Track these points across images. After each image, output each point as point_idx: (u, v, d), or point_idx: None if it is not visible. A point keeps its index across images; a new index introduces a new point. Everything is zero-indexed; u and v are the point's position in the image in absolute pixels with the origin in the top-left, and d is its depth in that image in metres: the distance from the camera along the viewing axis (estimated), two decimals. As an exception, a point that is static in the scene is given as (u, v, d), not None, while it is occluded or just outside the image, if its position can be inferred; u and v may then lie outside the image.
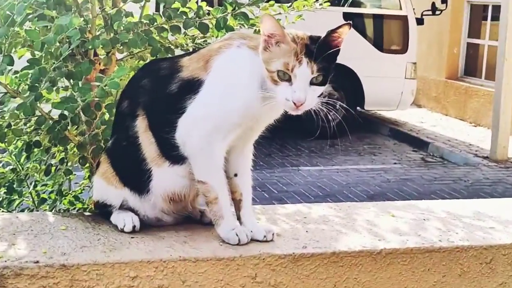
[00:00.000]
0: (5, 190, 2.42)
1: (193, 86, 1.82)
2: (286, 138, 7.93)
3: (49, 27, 2.07)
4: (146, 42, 2.21)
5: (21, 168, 2.42)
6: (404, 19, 8.32)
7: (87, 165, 2.28)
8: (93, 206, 2.06)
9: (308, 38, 1.72)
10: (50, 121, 2.15)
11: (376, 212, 2.16)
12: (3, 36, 2.06)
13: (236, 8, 2.34)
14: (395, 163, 7.33)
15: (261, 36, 1.75)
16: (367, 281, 1.88)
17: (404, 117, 9.60)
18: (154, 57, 2.27)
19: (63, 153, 2.36)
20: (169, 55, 2.27)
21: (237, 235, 1.80)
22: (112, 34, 2.17)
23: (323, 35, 1.71)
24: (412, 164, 7.39)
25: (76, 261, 1.68)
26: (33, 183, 2.46)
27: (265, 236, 1.85)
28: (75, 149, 2.28)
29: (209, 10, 2.38)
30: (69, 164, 2.37)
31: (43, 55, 2.10)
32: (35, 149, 2.34)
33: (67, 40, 2.08)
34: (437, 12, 8.73)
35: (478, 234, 2.05)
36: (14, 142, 2.38)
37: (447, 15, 9.41)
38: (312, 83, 1.71)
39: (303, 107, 1.71)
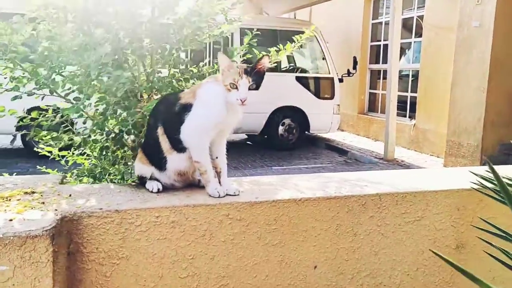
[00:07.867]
0: (92, 179, 2.74)
1: (187, 107, 2.21)
2: (266, 149, 11.66)
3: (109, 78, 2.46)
4: (169, 88, 2.64)
5: (100, 164, 2.74)
6: (331, 79, 12.07)
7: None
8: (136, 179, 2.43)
9: (246, 66, 2.16)
10: (113, 134, 2.57)
11: (300, 179, 2.59)
12: (83, 84, 2.46)
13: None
14: (328, 163, 10.53)
15: (221, 69, 2.19)
16: (293, 216, 2.23)
17: (333, 137, 13.87)
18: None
19: (124, 153, 2.69)
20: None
21: (218, 191, 2.22)
22: (150, 84, 2.57)
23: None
24: (338, 163, 10.66)
25: (124, 208, 2.01)
26: (107, 174, 2.76)
27: (234, 192, 2.26)
28: (129, 151, 2.65)
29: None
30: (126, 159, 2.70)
31: (108, 95, 2.49)
32: (106, 152, 2.64)
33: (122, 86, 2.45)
34: (351, 74, 12.63)
35: (357, 189, 2.40)
36: (93, 147, 2.71)
37: (357, 76, 14.11)
38: (249, 89, 2.14)
39: (246, 103, 2.14)
